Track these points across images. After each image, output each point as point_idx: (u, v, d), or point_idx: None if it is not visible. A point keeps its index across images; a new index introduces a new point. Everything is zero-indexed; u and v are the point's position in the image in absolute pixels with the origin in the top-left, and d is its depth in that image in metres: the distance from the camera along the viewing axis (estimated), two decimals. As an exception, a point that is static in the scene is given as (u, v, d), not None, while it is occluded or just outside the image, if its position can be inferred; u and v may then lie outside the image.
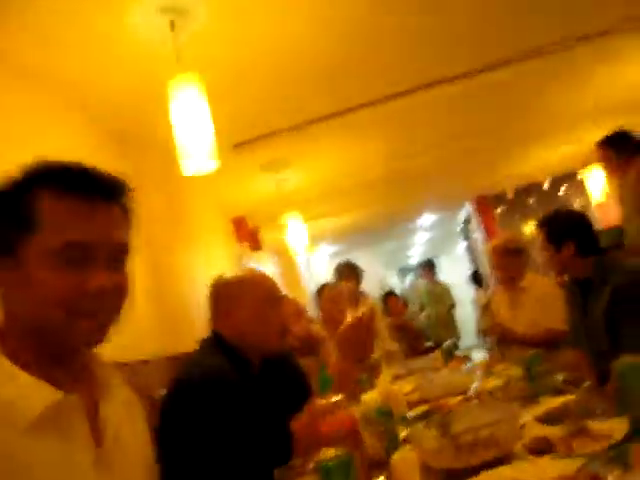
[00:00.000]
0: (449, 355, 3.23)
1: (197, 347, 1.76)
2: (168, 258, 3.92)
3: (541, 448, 1.28)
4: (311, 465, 1.08)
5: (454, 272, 12.00)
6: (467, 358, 3.15)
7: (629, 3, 3.59)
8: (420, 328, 6.54)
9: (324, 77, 3.61)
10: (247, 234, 6.26)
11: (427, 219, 10.30)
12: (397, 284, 13.36)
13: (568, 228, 2.61)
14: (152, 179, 3.82)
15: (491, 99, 4.85)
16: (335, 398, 1.35)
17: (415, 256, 14.62)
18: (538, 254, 2.70)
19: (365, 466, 1.30)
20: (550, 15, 3.53)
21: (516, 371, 2.30)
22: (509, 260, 3.42)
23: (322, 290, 3.88)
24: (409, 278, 20.24)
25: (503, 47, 3.87)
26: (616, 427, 1.26)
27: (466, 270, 10.31)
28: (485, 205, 9.25)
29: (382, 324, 4.76)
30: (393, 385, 2.36)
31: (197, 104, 2.52)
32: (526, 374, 1.96)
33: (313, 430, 1.30)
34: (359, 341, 1.78)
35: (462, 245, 11.95)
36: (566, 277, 2.68)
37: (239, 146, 4.36)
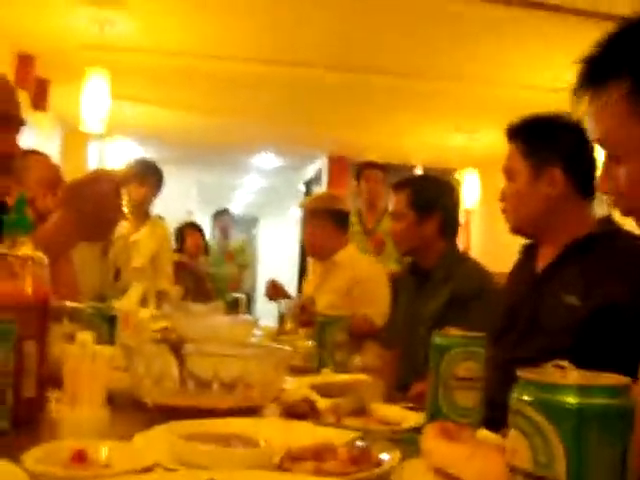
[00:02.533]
0: (233, 308, 3.13)
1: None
2: None
3: (302, 413, 1.12)
4: None
5: (279, 238, 12.10)
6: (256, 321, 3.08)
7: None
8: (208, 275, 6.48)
9: None
10: (31, 82, 5.78)
11: (265, 161, 10.26)
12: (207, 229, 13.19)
13: (439, 196, 2.58)
14: None
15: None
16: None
17: (239, 204, 14.52)
18: (392, 224, 2.67)
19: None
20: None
21: (305, 344, 2.28)
22: (317, 223, 3.41)
23: None
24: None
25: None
26: (409, 417, 1.23)
27: (295, 242, 10.40)
28: (341, 169, 9.35)
29: (167, 256, 4.64)
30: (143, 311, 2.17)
31: None
32: (317, 337, 1.84)
33: None
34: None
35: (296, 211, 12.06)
36: (399, 264, 2.72)
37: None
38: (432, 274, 2.47)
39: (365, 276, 3.32)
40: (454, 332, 1.18)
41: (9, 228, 1.11)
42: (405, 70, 5.73)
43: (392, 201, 2.66)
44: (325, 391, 1.41)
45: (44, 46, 5.58)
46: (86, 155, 8.19)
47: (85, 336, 0.93)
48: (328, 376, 1.65)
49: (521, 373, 0.60)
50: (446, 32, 4.83)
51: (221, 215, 7.77)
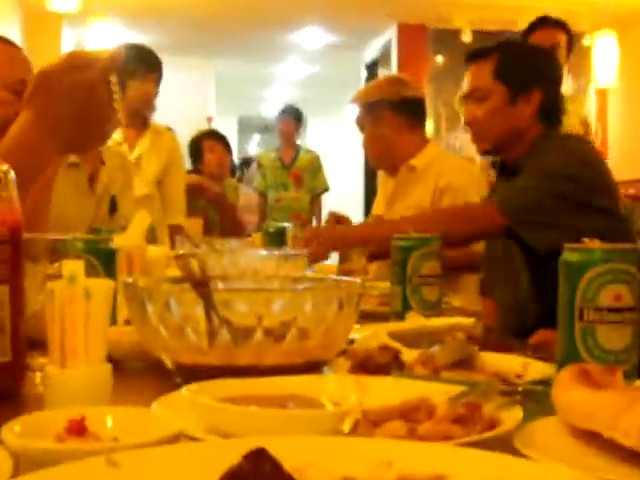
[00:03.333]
0: (276, 240, 3.25)
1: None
2: None
3: (382, 365, 1.15)
4: None
5: (336, 147, 12.14)
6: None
7: None
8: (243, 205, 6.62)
9: None
10: None
11: (310, 39, 10.30)
12: (233, 140, 13.36)
13: (537, 68, 2.70)
14: None
15: None
16: None
17: (275, 102, 14.57)
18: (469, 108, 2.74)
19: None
20: None
21: (380, 284, 2.38)
22: (376, 121, 3.47)
23: None
24: (256, 140, 20.58)
25: None
26: (532, 368, 1.24)
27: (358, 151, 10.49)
28: (416, 41, 9.39)
29: (178, 179, 4.71)
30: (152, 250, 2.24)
31: None
32: (396, 272, 1.85)
33: None
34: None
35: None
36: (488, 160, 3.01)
37: None
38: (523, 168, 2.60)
39: (456, 182, 3.36)
40: (590, 244, 1.17)
41: None
42: None
43: (468, 77, 2.74)
44: (412, 340, 1.43)
45: None
46: (59, 44, 8.25)
47: (74, 266, 0.94)
48: (415, 320, 1.67)
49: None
50: None
51: (284, 114, 8.06)
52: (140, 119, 4.53)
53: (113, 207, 4.18)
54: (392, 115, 3.44)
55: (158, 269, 2.22)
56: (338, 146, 13.28)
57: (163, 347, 1.18)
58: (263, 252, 2.65)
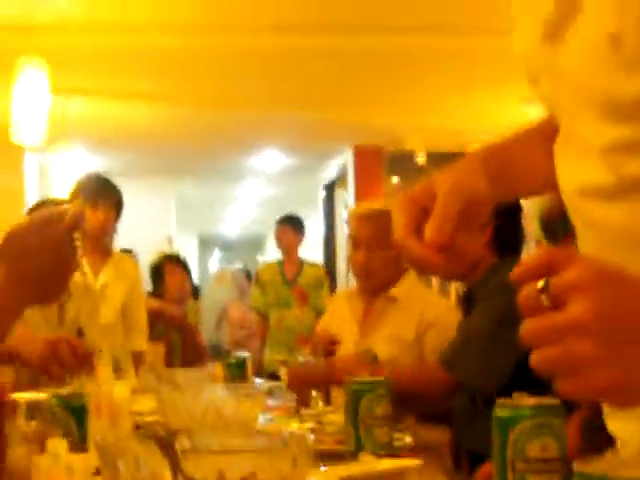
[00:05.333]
0: (237, 372, 3.29)
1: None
2: None
3: None
4: None
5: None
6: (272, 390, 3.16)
7: None
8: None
9: None
10: None
11: (269, 162, 10.42)
12: (192, 259, 13.36)
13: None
14: None
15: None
16: None
17: (235, 223, 14.72)
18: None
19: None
20: None
21: (336, 418, 2.42)
22: (376, 234, 3.39)
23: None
24: (216, 256, 20.61)
25: None
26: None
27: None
28: (372, 162, 9.61)
29: (139, 305, 4.75)
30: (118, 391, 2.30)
31: None
32: (350, 414, 1.95)
33: None
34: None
35: (316, 224, 12.13)
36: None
37: None
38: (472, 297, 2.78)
39: (443, 319, 3.33)
40: (519, 400, 1.28)
41: None
42: (448, 25, 5.86)
43: None
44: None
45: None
46: (21, 172, 8.45)
47: (57, 443, 1.04)
48: (366, 462, 1.76)
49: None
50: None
51: (283, 225, 7.64)
52: (102, 247, 4.60)
53: (80, 336, 4.26)
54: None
55: (125, 408, 2.29)
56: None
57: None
58: (224, 389, 2.71)
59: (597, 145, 1.07)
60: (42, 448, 1.46)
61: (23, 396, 1.56)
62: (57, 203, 3.89)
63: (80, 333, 4.15)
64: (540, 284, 0.85)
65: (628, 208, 1.06)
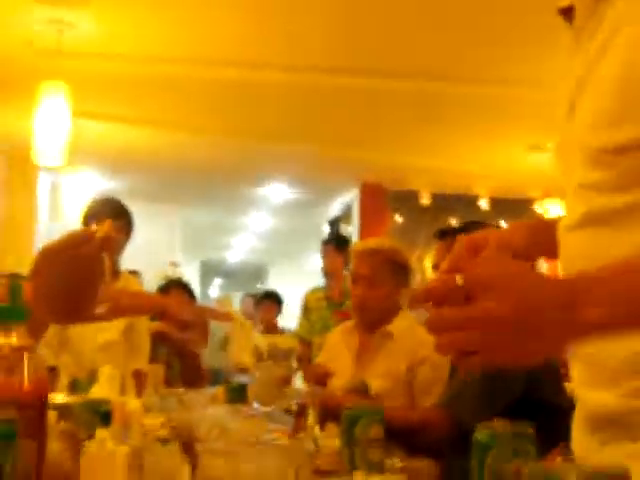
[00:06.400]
0: (238, 396, 3.38)
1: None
2: None
3: None
4: None
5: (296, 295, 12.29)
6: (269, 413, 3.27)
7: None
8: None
9: None
10: None
11: (275, 194, 10.62)
12: (194, 284, 13.47)
13: None
14: None
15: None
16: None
17: (239, 251, 14.81)
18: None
19: None
20: None
21: (331, 442, 2.47)
22: (379, 276, 3.56)
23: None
24: (217, 283, 20.61)
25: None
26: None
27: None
28: (377, 200, 9.78)
29: (143, 326, 4.87)
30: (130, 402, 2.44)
31: None
32: (345, 435, 2.11)
33: None
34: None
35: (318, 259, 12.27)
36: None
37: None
38: None
39: (435, 356, 3.35)
40: (496, 425, 1.45)
41: (2, 317, 1.39)
42: (458, 72, 6.07)
43: (436, 251, 3.13)
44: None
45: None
46: (34, 191, 8.56)
47: (103, 434, 1.22)
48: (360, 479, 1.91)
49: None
50: (515, 25, 5.13)
51: (328, 245, 7.13)
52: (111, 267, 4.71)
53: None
54: (393, 275, 3.55)
55: (138, 419, 2.43)
56: (296, 288, 13.46)
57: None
58: (228, 409, 2.85)
59: (578, 184, 1.36)
60: (74, 446, 1.64)
61: (55, 399, 1.72)
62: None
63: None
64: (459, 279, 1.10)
65: (592, 235, 1.34)
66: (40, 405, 1.38)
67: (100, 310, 2.21)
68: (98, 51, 5.82)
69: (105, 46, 5.78)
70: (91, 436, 1.67)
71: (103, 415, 1.74)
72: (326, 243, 7.04)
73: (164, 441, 1.56)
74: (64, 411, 1.64)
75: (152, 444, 1.57)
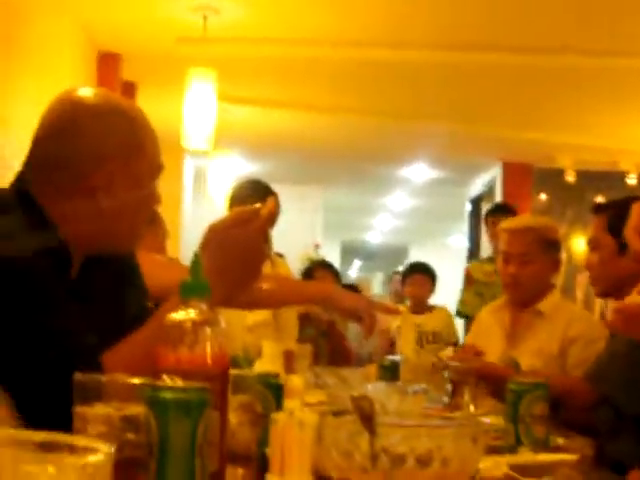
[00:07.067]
0: (390, 374, 3.40)
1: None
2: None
3: None
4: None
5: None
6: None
7: None
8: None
9: None
10: (116, 85, 6.33)
11: (416, 174, 10.61)
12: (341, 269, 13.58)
13: None
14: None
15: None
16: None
17: (379, 231, 14.83)
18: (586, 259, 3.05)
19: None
20: None
21: (495, 419, 2.51)
22: (527, 249, 3.51)
23: None
24: (357, 265, 20.66)
25: None
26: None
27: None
28: (520, 178, 9.69)
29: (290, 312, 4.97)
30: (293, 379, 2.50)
31: None
32: (509, 411, 2.12)
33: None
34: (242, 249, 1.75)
35: (460, 238, 12.16)
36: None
37: None
38: None
39: (586, 334, 3.38)
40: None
41: (186, 293, 1.45)
42: (601, 45, 5.90)
43: (590, 227, 3.05)
44: (527, 473, 1.69)
45: (131, 43, 6.22)
46: (181, 176, 8.89)
47: (292, 404, 1.26)
48: (527, 455, 1.93)
49: None
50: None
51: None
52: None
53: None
54: (544, 253, 3.52)
55: (301, 394, 2.46)
56: (441, 273, 13.45)
57: (333, 464, 1.46)
58: (386, 386, 2.85)
59: None
60: (252, 418, 1.70)
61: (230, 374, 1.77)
62: None
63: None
64: None
65: None
66: (223, 377, 1.44)
67: (265, 287, 2.26)
68: (242, 35, 5.92)
69: (249, 30, 5.87)
70: (266, 408, 1.73)
71: (275, 388, 1.80)
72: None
73: (338, 413, 1.60)
74: (238, 384, 1.69)
75: (328, 416, 1.61)
